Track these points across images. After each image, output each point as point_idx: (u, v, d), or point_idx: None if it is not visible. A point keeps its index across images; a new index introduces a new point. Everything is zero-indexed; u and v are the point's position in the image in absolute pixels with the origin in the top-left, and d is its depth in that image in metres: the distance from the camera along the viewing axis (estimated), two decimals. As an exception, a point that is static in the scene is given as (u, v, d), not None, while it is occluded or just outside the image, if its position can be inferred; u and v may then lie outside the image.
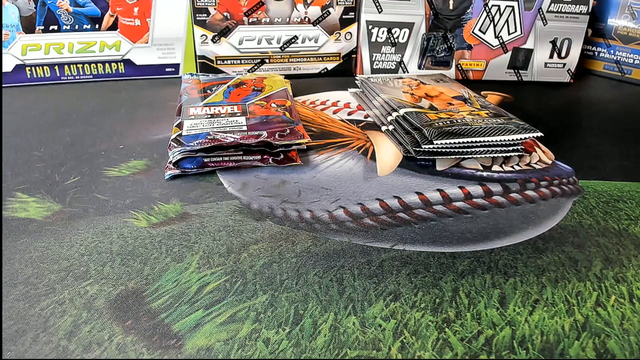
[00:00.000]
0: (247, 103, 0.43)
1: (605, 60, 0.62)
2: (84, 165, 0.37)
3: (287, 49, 0.55)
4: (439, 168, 0.37)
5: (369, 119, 0.45)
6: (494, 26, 0.56)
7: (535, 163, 0.38)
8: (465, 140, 0.36)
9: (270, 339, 0.23)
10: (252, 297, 0.25)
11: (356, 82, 0.51)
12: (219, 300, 0.25)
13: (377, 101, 0.45)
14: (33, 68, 0.51)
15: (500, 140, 0.37)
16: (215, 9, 0.52)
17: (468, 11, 0.55)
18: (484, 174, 0.36)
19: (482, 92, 0.53)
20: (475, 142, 0.37)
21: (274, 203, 0.33)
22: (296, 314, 0.24)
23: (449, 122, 0.38)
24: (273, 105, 0.43)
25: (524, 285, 0.26)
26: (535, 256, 0.29)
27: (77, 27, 0.51)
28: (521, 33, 0.57)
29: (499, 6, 0.55)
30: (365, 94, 0.48)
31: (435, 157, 0.37)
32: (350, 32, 0.56)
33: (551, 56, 0.58)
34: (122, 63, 0.53)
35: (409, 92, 0.45)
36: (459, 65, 0.58)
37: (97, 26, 0.51)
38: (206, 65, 0.54)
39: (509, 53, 0.58)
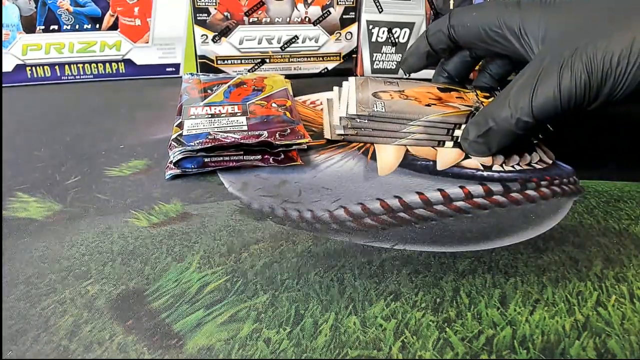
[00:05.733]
0: (247, 103, 0.43)
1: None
2: (84, 165, 0.37)
3: (288, 49, 0.55)
4: (439, 168, 0.37)
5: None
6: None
7: (536, 163, 0.38)
8: None
9: (271, 339, 0.23)
10: (252, 297, 0.25)
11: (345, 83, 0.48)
12: (219, 299, 0.25)
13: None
14: (33, 68, 0.51)
15: None
16: (215, 8, 0.52)
17: (468, 11, 0.55)
18: (485, 173, 0.36)
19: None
20: None
21: (275, 203, 0.33)
22: (297, 314, 0.24)
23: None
24: (273, 105, 0.43)
25: (524, 285, 0.27)
26: (536, 256, 0.29)
27: (77, 27, 0.51)
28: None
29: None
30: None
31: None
32: (350, 32, 0.56)
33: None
34: (122, 63, 0.53)
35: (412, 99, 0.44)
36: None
37: (97, 26, 0.51)
38: (206, 65, 0.54)
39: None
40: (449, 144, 0.39)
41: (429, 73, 0.47)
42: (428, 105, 0.40)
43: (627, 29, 0.31)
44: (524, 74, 0.34)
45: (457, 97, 0.41)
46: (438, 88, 0.43)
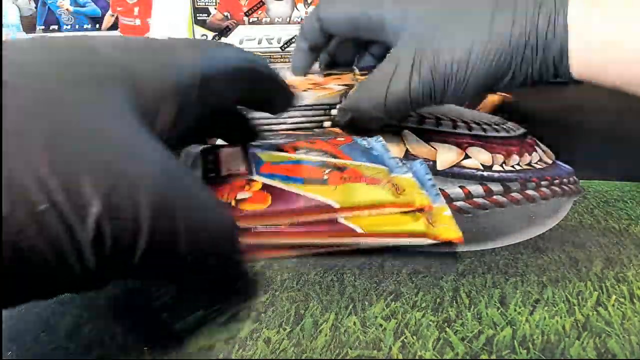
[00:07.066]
0: None
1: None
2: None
3: (288, 49, 0.55)
4: (439, 168, 0.37)
5: None
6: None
7: (536, 163, 0.38)
8: None
9: (271, 339, 0.23)
10: (253, 297, 0.25)
11: None
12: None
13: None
14: (33, 68, 0.51)
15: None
16: (215, 8, 0.52)
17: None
18: (485, 173, 0.36)
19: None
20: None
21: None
22: (297, 314, 0.24)
23: None
24: None
25: (524, 285, 0.26)
26: (536, 256, 0.29)
27: (77, 27, 0.51)
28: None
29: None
30: None
31: None
32: (350, 32, 0.56)
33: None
34: (122, 63, 0.53)
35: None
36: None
37: (97, 26, 0.51)
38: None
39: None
40: (327, 123, 0.41)
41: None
42: (305, 90, 0.41)
43: (468, 31, 0.32)
44: (380, 70, 0.35)
45: (334, 79, 0.43)
46: (319, 75, 0.45)
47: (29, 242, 0.15)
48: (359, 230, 0.27)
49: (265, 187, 0.28)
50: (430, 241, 0.28)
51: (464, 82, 0.32)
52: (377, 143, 0.35)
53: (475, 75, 0.32)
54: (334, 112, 0.40)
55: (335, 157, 0.32)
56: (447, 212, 0.30)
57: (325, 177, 0.29)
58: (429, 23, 0.34)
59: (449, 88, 0.33)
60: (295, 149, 0.32)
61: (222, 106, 0.27)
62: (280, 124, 0.40)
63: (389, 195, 0.28)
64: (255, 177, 0.28)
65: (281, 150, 0.32)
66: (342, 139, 0.35)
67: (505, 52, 0.32)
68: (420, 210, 0.28)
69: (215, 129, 0.32)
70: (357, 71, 0.44)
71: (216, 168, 0.29)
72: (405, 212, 0.28)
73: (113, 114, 0.19)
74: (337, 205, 0.27)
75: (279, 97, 0.30)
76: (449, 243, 0.28)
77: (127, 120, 0.19)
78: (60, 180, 0.15)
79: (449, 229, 0.28)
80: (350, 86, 0.41)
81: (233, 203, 0.26)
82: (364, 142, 0.35)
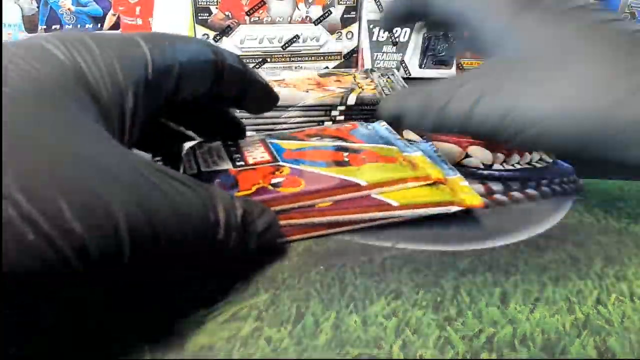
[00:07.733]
0: None
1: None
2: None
3: (289, 48, 0.55)
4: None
5: None
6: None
7: (536, 162, 0.38)
8: None
9: (272, 337, 0.23)
10: (253, 296, 0.25)
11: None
12: (220, 298, 0.25)
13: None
14: (35, 67, 0.51)
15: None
16: (216, 8, 0.52)
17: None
18: (485, 172, 0.36)
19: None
20: None
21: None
22: (298, 312, 0.24)
23: None
24: None
25: (525, 284, 0.27)
26: (536, 254, 0.29)
27: (79, 26, 0.51)
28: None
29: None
30: None
31: None
32: (351, 32, 0.56)
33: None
34: (123, 62, 0.53)
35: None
36: (460, 64, 0.58)
37: (99, 25, 0.51)
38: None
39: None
40: (328, 123, 0.41)
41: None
42: (306, 91, 0.41)
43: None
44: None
45: (335, 81, 0.43)
46: (318, 74, 0.45)
47: (24, 269, 0.16)
48: (395, 204, 0.29)
49: (294, 171, 0.29)
50: (457, 208, 0.30)
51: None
52: (381, 127, 0.36)
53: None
54: (334, 113, 0.40)
55: (347, 141, 0.33)
56: (464, 182, 0.32)
57: (346, 159, 0.31)
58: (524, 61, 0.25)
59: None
60: (308, 137, 0.34)
61: (186, 100, 0.26)
62: (281, 124, 0.40)
63: (409, 170, 0.30)
64: (282, 163, 0.30)
65: (294, 138, 0.33)
66: (349, 125, 0.36)
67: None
68: (438, 182, 0.30)
69: (195, 125, 0.32)
70: (356, 74, 0.44)
71: (242, 158, 0.30)
72: (429, 185, 0.30)
73: (79, 131, 0.19)
74: (364, 183, 0.29)
75: (254, 95, 0.29)
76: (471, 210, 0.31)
77: (93, 134, 0.20)
78: (43, 212, 0.16)
79: (471, 196, 0.31)
80: (350, 89, 0.41)
81: (270, 187, 0.28)
82: (369, 127, 0.36)
